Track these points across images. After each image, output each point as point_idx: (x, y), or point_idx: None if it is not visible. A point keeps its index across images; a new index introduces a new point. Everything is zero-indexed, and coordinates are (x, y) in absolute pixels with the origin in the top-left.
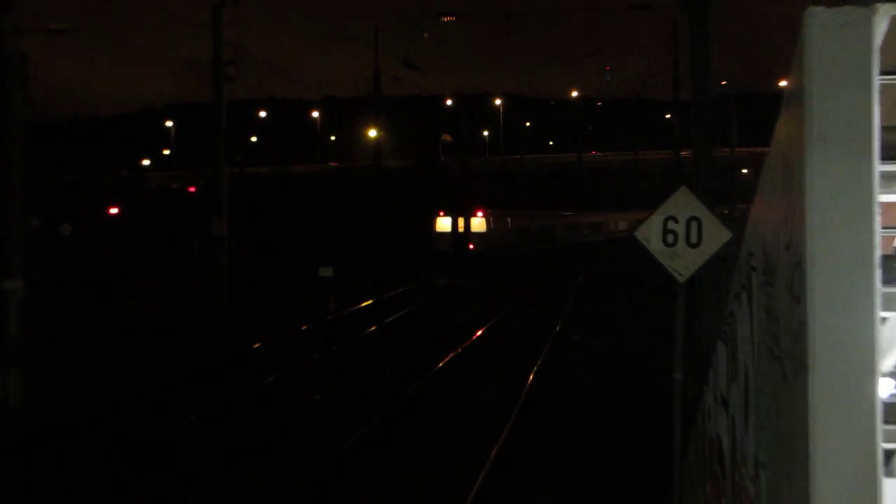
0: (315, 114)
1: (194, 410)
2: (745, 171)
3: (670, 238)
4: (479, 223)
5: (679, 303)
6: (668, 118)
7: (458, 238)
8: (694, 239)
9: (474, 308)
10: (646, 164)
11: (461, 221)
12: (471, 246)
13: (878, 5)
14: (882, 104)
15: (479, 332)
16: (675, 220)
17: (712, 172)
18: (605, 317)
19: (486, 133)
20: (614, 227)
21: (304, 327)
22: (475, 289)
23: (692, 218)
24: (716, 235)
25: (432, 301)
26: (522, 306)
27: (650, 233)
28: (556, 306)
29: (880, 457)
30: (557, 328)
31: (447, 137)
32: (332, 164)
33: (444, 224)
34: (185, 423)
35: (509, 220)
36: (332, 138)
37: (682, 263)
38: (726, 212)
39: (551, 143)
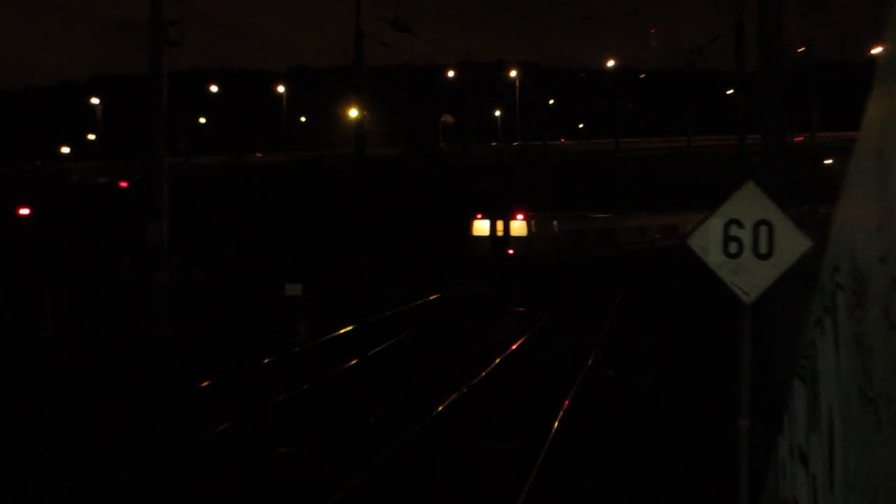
0: (281, 88)
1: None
2: (828, 161)
3: (733, 247)
4: (519, 227)
5: (744, 329)
6: (729, 94)
7: (496, 243)
8: (763, 248)
9: (496, 328)
10: (702, 152)
11: (500, 225)
12: (511, 251)
13: None
14: None
15: (496, 362)
16: (740, 225)
17: (787, 163)
18: (658, 343)
19: (497, 113)
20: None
21: (265, 360)
22: (505, 301)
23: (761, 222)
24: (791, 244)
25: (445, 319)
26: (556, 324)
27: (708, 240)
28: (597, 326)
29: None
30: (590, 361)
31: (448, 119)
32: (304, 152)
33: (481, 227)
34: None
35: (555, 223)
36: (303, 119)
37: (748, 279)
38: (805, 214)
39: (581, 125)
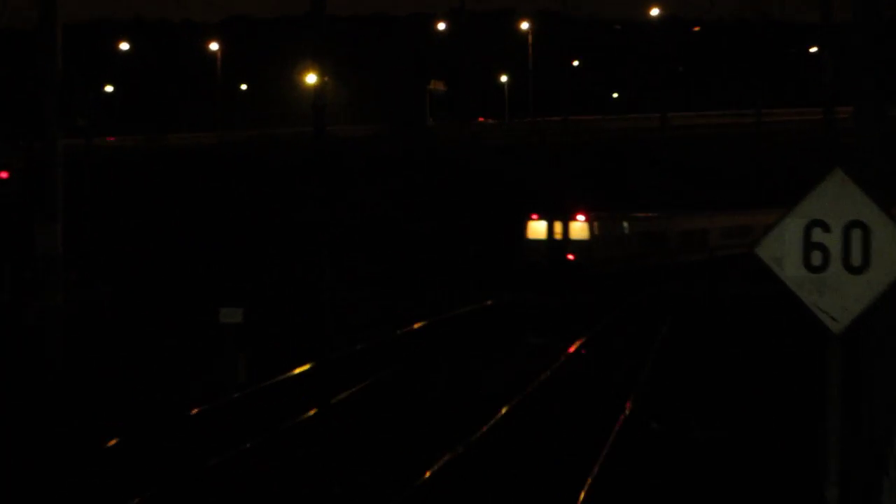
0: (214, 46)
1: None
2: None
3: (817, 258)
4: (579, 228)
5: (833, 370)
6: (813, 54)
7: (554, 247)
8: (857, 259)
9: (514, 360)
10: (775, 130)
11: (558, 226)
12: (570, 257)
13: None
14: None
15: (502, 413)
16: (825, 228)
17: (891, 145)
18: (730, 378)
19: (504, 80)
20: None
21: (193, 411)
22: (545, 318)
23: (854, 223)
24: (894, 251)
25: (454, 349)
26: (594, 354)
27: (782, 249)
28: (647, 355)
29: None
30: (627, 411)
31: (439, 86)
32: (246, 131)
33: (537, 230)
34: None
35: (626, 224)
36: (244, 88)
37: (838, 301)
38: None
39: (615, 95)
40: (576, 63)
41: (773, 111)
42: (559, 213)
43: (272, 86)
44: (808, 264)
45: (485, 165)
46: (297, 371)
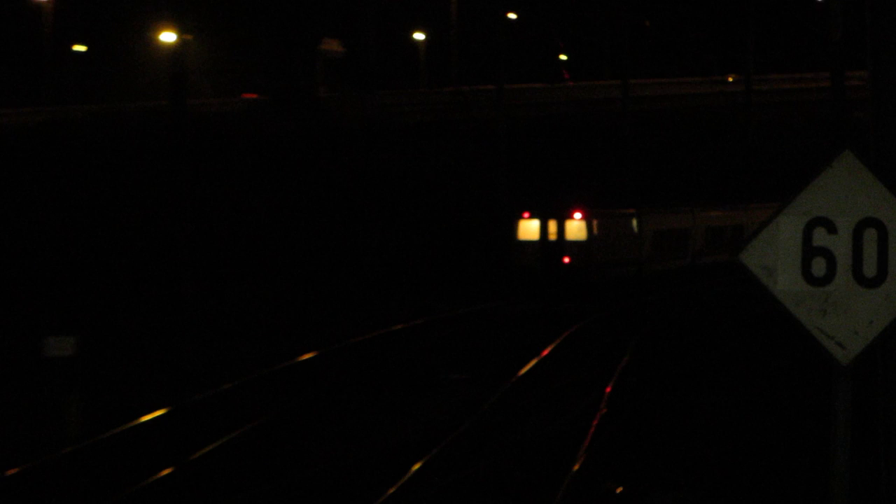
0: None
1: None
2: None
3: (819, 267)
4: (576, 228)
5: (839, 411)
6: (818, 3)
7: (547, 249)
8: (871, 268)
9: (424, 404)
10: (769, 101)
11: (552, 226)
12: (566, 260)
13: None
14: None
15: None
16: (830, 228)
17: None
18: (708, 424)
19: (420, 38)
20: None
21: (9, 472)
22: (496, 336)
23: (868, 222)
24: None
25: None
26: (538, 390)
27: (774, 256)
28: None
29: None
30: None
31: (333, 47)
32: (83, 105)
33: (529, 229)
34: None
35: (635, 221)
36: (81, 50)
37: (847, 322)
38: None
39: (564, 58)
40: (513, 16)
41: (767, 77)
42: (554, 210)
43: (118, 47)
44: (808, 275)
45: (393, 149)
46: (148, 418)
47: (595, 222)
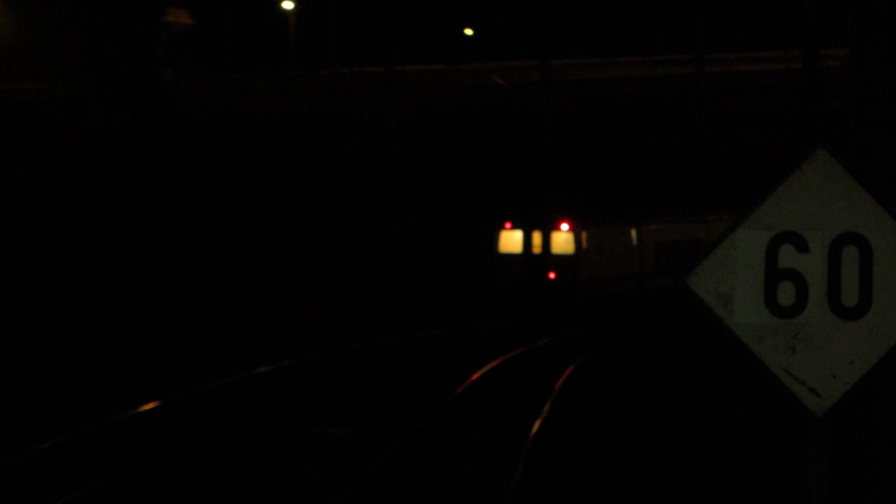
0: None
1: None
2: None
3: (786, 293)
4: (562, 240)
5: (812, 477)
6: None
7: (531, 264)
8: (851, 296)
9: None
10: (726, 88)
11: (537, 238)
12: (552, 275)
13: None
14: None
15: None
16: (800, 244)
17: None
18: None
19: (289, 6)
20: None
21: None
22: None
23: (846, 237)
24: None
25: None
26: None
27: (730, 279)
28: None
29: None
30: None
31: (181, 18)
32: None
33: (511, 242)
34: None
35: (634, 232)
36: None
37: (821, 363)
38: None
39: (469, 31)
40: None
41: (724, 55)
42: (538, 220)
43: None
44: (772, 304)
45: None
46: None
47: (584, 234)
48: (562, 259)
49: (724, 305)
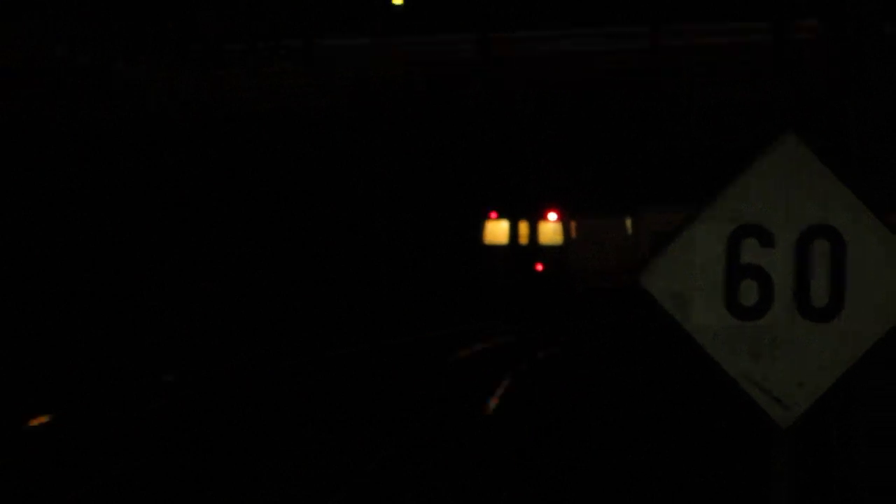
0: None
1: None
2: None
3: (749, 292)
4: (550, 230)
5: (777, 488)
6: None
7: (518, 255)
8: (821, 295)
9: None
10: (686, 63)
11: (524, 228)
12: (539, 267)
13: None
14: None
15: None
16: (765, 238)
17: (889, 89)
18: None
19: None
20: None
21: None
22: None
23: (816, 230)
24: (892, 283)
25: None
26: None
27: (687, 278)
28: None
29: None
30: None
31: None
32: None
33: (497, 232)
34: None
35: (629, 222)
36: None
37: (787, 369)
38: None
39: (398, 1)
40: None
41: (679, 29)
42: (525, 209)
43: None
44: (734, 305)
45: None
46: None
47: (573, 224)
48: (550, 250)
49: (681, 306)
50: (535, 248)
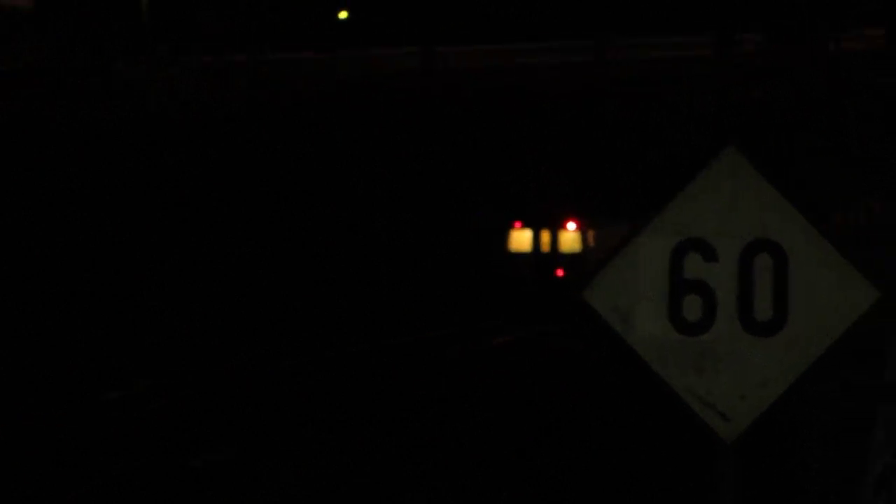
0: None
1: None
2: None
3: (692, 307)
4: (570, 239)
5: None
6: None
7: (540, 262)
8: (764, 309)
9: None
10: (634, 73)
11: (546, 236)
12: (559, 273)
13: None
14: None
15: None
16: (707, 253)
17: (831, 97)
18: None
19: None
20: None
21: None
22: None
23: (759, 244)
24: (833, 296)
25: None
26: None
27: (630, 292)
28: None
29: None
30: None
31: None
32: None
33: (520, 240)
34: None
35: None
36: None
37: (730, 384)
38: (871, 217)
39: (344, 14)
40: None
41: (630, 42)
42: (547, 219)
43: None
44: (677, 320)
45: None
46: None
47: (591, 233)
48: (570, 257)
49: (623, 321)
50: (556, 256)
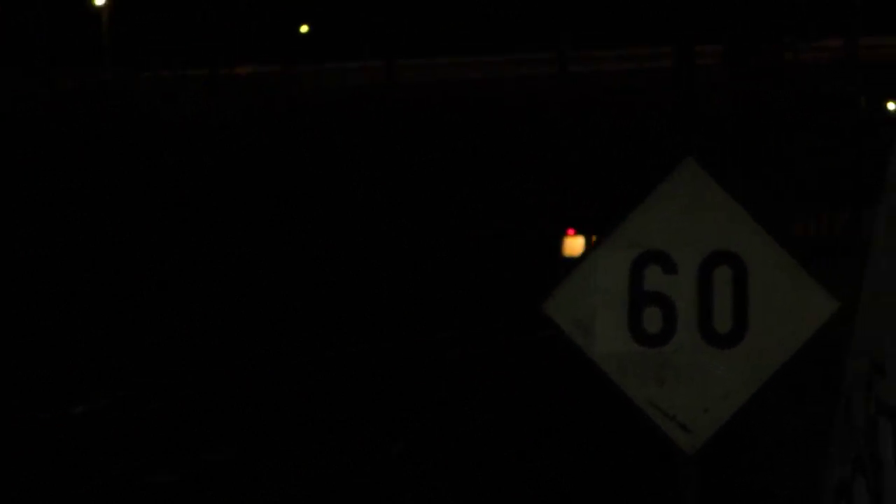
0: None
1: None
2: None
3: (652, 319)
4: (581, 246)
5: None
6: None
7: None
8: (724, 321)
9: None
10: (595, 82)
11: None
12: None
13: None
14: None
15: None
16: (667, 265)
17: (789, 108)
18: None
19: (99, 1)
20: None
21: None
22: None
23: (718, 255)
24: (792, 307)
25: None
26: None
27: (590, 305)
28: None
29: None
30: None
31: None
32: None
33: (574, 247)
34: None
35: None
36: None
37: (691, 395)
38: (831, 227)
39: (304, 30)
40: None
41: (593, 53)
42: (598, 227)
43: None
44: (637, 332)
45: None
46: None
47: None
48: None
49: (584, 334)
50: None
